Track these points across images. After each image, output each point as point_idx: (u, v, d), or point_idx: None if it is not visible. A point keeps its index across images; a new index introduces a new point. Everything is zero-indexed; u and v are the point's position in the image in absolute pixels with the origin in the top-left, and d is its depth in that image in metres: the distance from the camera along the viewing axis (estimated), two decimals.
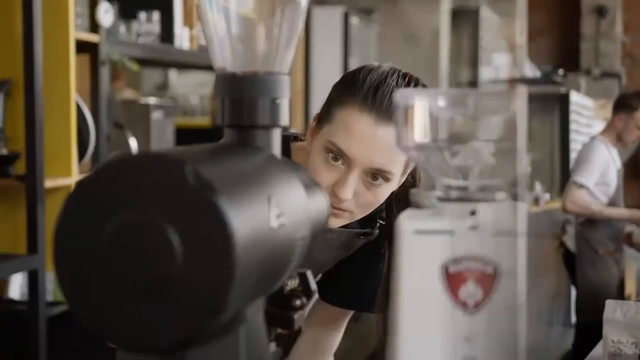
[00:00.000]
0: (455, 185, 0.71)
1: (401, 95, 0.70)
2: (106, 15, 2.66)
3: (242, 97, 0.79)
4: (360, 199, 1.28)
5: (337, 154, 1.26)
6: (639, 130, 4.35)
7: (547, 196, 6.03)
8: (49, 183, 2.43)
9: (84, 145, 2.61)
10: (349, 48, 5.12)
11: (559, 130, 6.99)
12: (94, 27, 2.68)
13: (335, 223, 1.31)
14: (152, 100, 3.22)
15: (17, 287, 2.63)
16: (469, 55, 7.41)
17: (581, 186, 4.22)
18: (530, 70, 6.11)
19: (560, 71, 6.70)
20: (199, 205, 0.59)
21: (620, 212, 4.40)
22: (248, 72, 0.80)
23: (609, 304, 2.00)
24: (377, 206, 1.31)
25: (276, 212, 0.69)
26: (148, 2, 3.01)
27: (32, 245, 2.35)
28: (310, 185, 0.84)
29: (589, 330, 4.32)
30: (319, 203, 0.85)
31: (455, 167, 0.71)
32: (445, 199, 0.71)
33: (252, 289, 0.66)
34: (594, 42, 9.23)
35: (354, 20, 5.13)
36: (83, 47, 2.64)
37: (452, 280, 0.68)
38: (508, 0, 9.26)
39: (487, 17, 7.60)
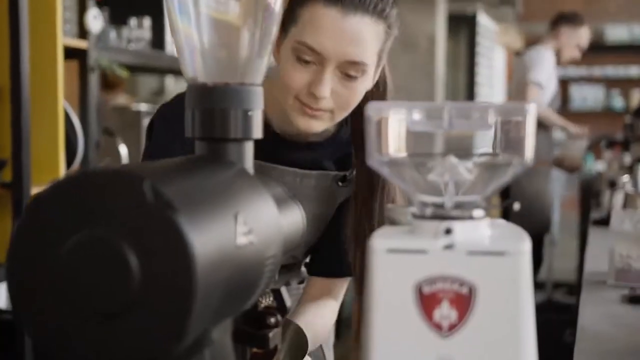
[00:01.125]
0: (431, 202, 0.69)
1: (374, 108, 0.68)
2: (95, 21, 2.63)
3: (213, 109, 0.77)
4: (338, 97, 1.25)
5: (307, 54, 1.22)
6: (577, 48, 4.45)
7: None
8: (35, 191, 2.40)
9: (73, 152, 2.58)
10: None
11: (467, 52, 7.12)
12: (83, 33, 2.65)
13: (317, 126, 1.28)
14: (143, 107, 3.19)
15: (3, 295, 2.60)
16: (466, 59, 7.41)
17: (539, 85, 4.28)
18: None
19: None
20: (158, 223, 0.57)
21: (565, 121, 4.55)
22: (219, 83, 0.78)
23: (616, 213, 1.85)
24: (356, 102, 1.27)
25: (243, 229, 0.66)
26: (139, 8, 2.99)
27: None
28: (284, 200, 0.82)
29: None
30: (292, 218, 0.82)
31: (430, 183, 0.68)
32: (420, 217, 0.68)
33: (217, 310, 0.63)
34: None
35: None
36: (72, 53, 2.61)
37: (426, 301, 0.65)
38: (505, 6, 9.30)
39: (484, 23, 7.59)
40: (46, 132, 2.47)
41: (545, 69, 4.30)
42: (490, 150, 0.72)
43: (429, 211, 0.68)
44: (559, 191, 5.82)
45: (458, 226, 0.66)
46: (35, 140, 2.41)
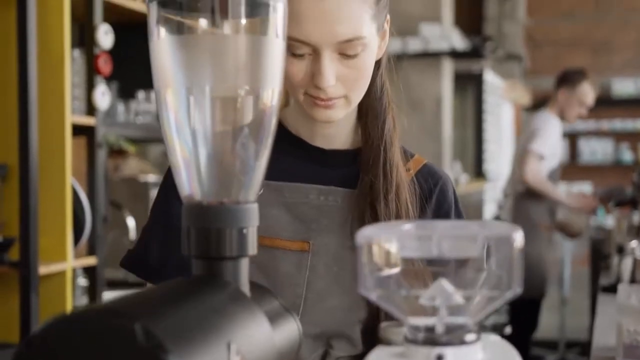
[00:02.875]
0: (422, 324, 0.69)
1: (363, 235, 0.68)
2: (103, 98, 2.67)
3: (208, 228, 0.78)
4: (346, 80, 1.16)
5: (298, 48, 1.14)
6: (580, 106, 4.43)
7: (465, 177, 6.13)
8: (43, 269, 2.41)
9: (80, 229, 2.59)
10: None
11: (474, 109, 7.14)
12: (91, 109, 2.68)
13: (335, 115, 1.18)
14: (151, 178, 3.22)
15: None
16: (473, 116, 7.46)
17: (540, 156, 4.25)
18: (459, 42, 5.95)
19: (489, 44, 6.63)
20: None
21: (563, 196, 4.50)
22: (214, 202, 0.79)
23: (623, 288, 1.82)
24: (369, 78, 1.19)
25: (237, 359, 0.67)
26: (146, 81, 3.03)
27: (26, 334, 2.32)
28: (279, 314, 0.82)
29: (525, 307, 4.30)
30: (288, 333, 0.82)
31: (422, 307, 0.69)
32: (411, 341, 0.69)
33: None
34: (497, 24, 9.43)
35: None
36: (80, 129, 2.65)
37: None
38: (511, 62, 9.39)
39: (491, 79, 7.66)
40: (54, 211, 2.48)
41: (548, 139, 4.31)
42: (481, 269, 0.72)
43: (420, 336, 0.68)
44: (569, 248, 5.80)
45: (450, 352, 0.66)
46: (43, 218, 2.43)
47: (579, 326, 5.65)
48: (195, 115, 0.78)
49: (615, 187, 9.86)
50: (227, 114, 0.79)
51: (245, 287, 0.78)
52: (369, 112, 1.27)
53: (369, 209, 1.20)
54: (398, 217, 1.18)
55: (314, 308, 1.19)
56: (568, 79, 4.47)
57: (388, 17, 1.23)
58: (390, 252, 0.69)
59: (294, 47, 1.14)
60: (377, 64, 1.24)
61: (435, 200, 1.29)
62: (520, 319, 4.33)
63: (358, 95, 1.20)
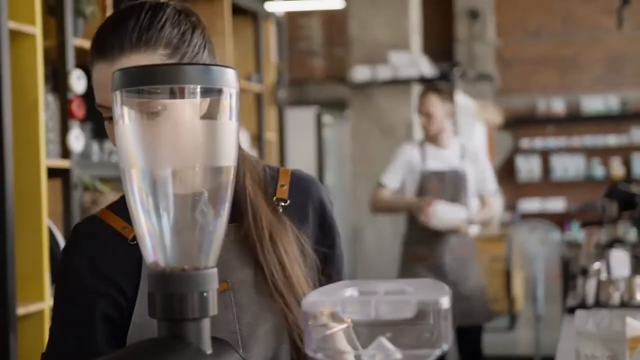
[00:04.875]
0: None
1: (308, 302, 0.76)
2: (77, 141, 2.74)
3: (172, 293, 0.86)
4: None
5: (104, 111, 1.19)
6: (423, 115, 4.10)
7: None
8: (21, 310, 2.47)
9: (57, 268, 2.65)
10: (323, 144, 5.24)
11: None
12: (66, 152, 2.75)
13: None
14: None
15: None
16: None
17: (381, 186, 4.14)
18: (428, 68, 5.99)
19: (457, 70, 6.70)
20: None
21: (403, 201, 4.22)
22: (176, 269, 0.87)
23: (580, 314, 1.87)
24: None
25: None
26: None
27: None
28: None
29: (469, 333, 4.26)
30: None
31: None
32: None
33: None
34: (467, 45, 9.60)
35: (327, 118, 5.26)
36: (55, 172, 2.71)
37: None
38: (482, 82, 9.55)
39: (462, 101, 7.79)
40: (31, 252, 2.54)
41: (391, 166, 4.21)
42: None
43: None
44: (541, 267, 5.90)
45: None
46: (20, 259, 2.49)
47: (554, 341, 5.74)
48: (158, 191, 0.86)
49: (587, 202, 10.04)
50: (187, 188, 0.87)
51: (207, 345, 0.86)
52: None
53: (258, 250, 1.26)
54: (280, 260, 1.25)
55: (250, 340, 1.27)
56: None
57: None
58: (333, 316, 0.77)
59: (104, 112, 1.20)
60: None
61: (311, 208, 1.34)
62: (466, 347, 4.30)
63: None
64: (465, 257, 4.17)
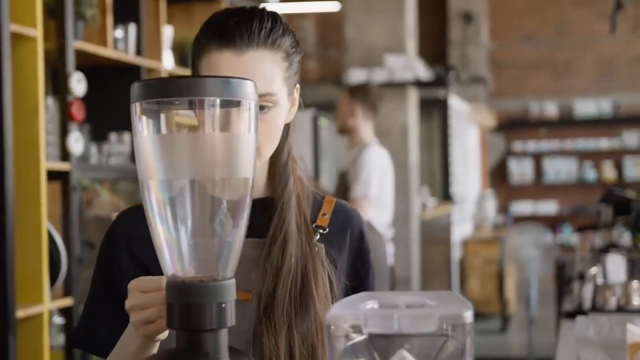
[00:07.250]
0: None
1: (331, 314, 0.77)
2: (76, 143, 2.73)
3: (190, 304, 0.86)
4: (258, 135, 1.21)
5: None
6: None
7: (433, 201, 6.20)
8: (20, 313, 2.46)
9: (56, 271, 2.65)
10: (319, 148, 5.25)
11: (440, 133, 7.29)
12: (65, 155, 2.75)
13: None
14: None
15: None
16: (439, 140, 7.60)
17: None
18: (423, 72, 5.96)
19: (452, 73, 6.69)
20: None
21: None
22: (195, 280, 0.87)
23: (581, 320, 1.87)
24: (278, 134, 1.25)
25: None
26: (119, 123, 3.10)
27: None
28: None
29: None
30: None
31: None
32: None
33: None
34: (461, 48, 9.62)
35: (323, 122, 5.26)
36: (54, 174, 2.71)
37: None
38: (476, 85, 9.57)
39: (456, 104, 7.81)
40: (30, 254, 2.54)
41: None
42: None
43: None
44: (534, 270, 5.91)
45: None
46: (20, 262, 2.49)
47: (548, 344, 5.76)
48: (176, 202, 0.87)
49: (579, 205, 10.07)
50: (205, 200, 0.88)
51: (224, 356, 0.87)
52: (276, 175, 1.31)
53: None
54: (305, 283, 1.24)
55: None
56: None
57: (298, 86, 1.31)
58: (355, 328, 0.78)
59: None
60: (287, 128, 1.31)
61: (349, 238, 1.35)
62: None
63: (268, 149, 1.25)
64: None
